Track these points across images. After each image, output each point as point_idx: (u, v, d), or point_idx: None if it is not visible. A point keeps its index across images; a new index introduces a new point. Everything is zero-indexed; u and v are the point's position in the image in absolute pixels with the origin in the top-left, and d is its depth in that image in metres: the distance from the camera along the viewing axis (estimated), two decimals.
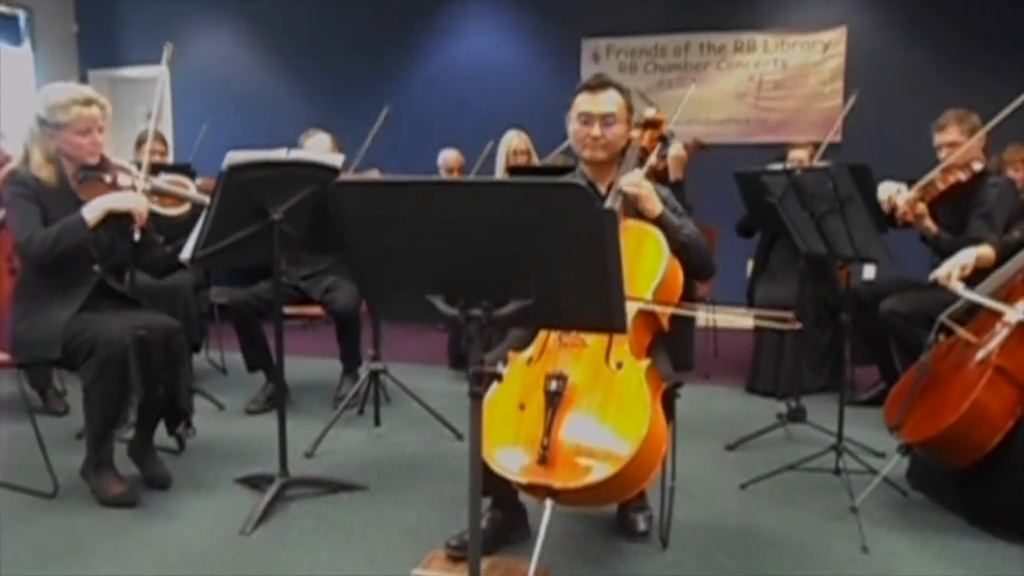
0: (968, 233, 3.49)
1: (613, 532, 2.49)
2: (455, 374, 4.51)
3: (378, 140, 3.80)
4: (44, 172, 2.68)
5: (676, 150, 3.92)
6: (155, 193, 2.88)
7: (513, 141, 4.68)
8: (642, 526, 2.45)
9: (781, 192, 2.91)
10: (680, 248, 2.33)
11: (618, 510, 2.52)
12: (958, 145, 3.51)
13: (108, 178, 2.77)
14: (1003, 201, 3.53)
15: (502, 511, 2.37)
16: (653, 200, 2.34)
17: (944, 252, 3.56)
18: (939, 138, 3.60)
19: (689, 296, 2.43)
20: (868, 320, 3.67)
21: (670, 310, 2.25)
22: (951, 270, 2.57)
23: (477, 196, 1.46)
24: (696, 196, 3.85)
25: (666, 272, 2.23)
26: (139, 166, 2.92)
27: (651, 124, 2.69)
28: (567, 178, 2.44)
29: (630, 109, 2.46)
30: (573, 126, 2.44)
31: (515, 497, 2.32)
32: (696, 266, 2.40)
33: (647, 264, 2.24)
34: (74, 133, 2.68)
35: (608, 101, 2.39)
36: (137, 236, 2.74)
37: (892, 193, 3.56)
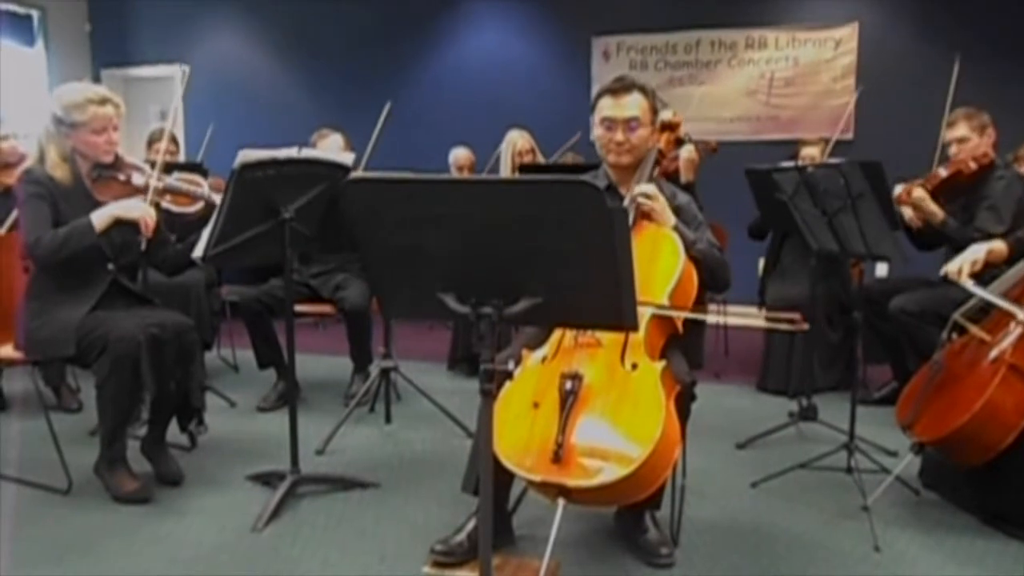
0: (975, 224, 3.50)
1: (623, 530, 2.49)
2: (452, 374, 4.52)
3: (389, 139, 3.80)
4: (59, 171, 2.70)
5: (688, 152, 3.92)
6: (167, 191, 2.89)
7: (518, 142, 4.67)
8: (652, 534, 2.35)
9: (792, 189, 2.90)
10: (692, 261, 2.31)
11: (628, 508, 2.43)
12: (967, 140, 3.57)
13: (122, 177, 2.79)
14: (1009, 194, 3.55)
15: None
16: (666, 213, 2.33)
17: (951, 238, 3.59)
18: (949, 134, 3.67)
19: (700, 294, 2.42)
20: (880, 318, 3.66)
21: (681, 314, 2.24)
22: (962, 265, 2.55)
23: (488, 194, 1.46)
24: (707, 194, 3.84)
25: (682, 274, 2.22)
26: (151, 165, 2.94)
27: (668, 127, 2.67)
28: (582, 176, 2.44)
29: (654, 111, 2.43)
30: (597, 131, 2.43)
31: (503, 503, 2.32)
32: (708, 280, 2.37)
33: (664, 265, 2.23)
34: (89, 132, 2.69)
35: (631, 105, 2.38)
36: (144, 246, 2.77)
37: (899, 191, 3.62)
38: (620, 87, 2.40)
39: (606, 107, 2.39)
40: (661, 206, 2.33)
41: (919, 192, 3.59)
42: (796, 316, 2.22)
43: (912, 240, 3.78)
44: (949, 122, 3.68)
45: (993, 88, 3.54)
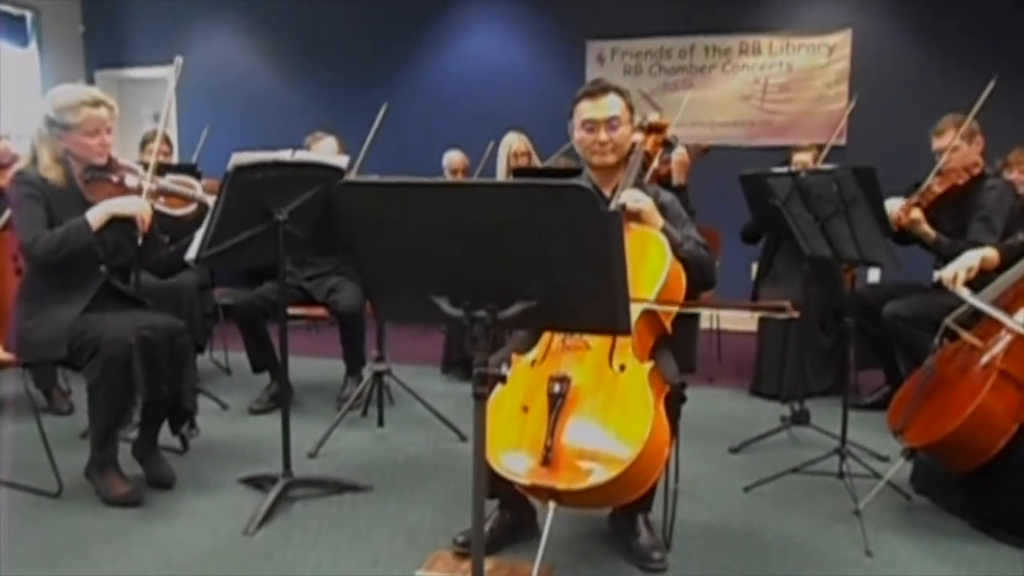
0: (968, 236, 3.52)
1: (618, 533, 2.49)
2: (445, 378, 4.52)
3: (382, 142, 3.78)
4: (52, 173, 2.69)
5: (679, 155, 3.93)
6: (161, 193, 2.89)
7: (514, 143, 4.68)
8: (645, 537, 2.33)
9: (786, 195, 2.91)
10: (679, 261, 2.33)
11: (621, 511, 2.42)
12: (956, 149, 3.57)
13: (115, 178, 2.78)
14: (1001, 203, 3.56)
15: (511, 511, 2.38)
16: (655, 216, 2.36)
17: (944, 256, 3.60)
18: (937, 143, 3.67)
19: (692, 298, 2.43)
20: (872, 323, 3.67)
21: (671, 308, 2.26)
22: (957, 272, 2.56)
23: (482, 198, 1.47)
24: (700, 199, 3.85)
25: (669, 274, 2.24)
26: (144, 166, 2.93)
27: (654, 128, 2.69)
28: (573, 181, 2.45)
29: (631, 109, 2.47)
30: (578, 134, 2.45)
31: (524, 497, 2.32)
32: (696, 280, 2.39)
33: (651, 266, 2.24)
34: (83, 134, 2.69)
35: (610, 105, 2.41)
36: (140, 242, 2.76)
37: (896, 208, 3.62)
38: (597, 89, 2.44)
39: (586, 110, 2.42)
40: (649, 209, 2.34)
41: (916, 213, 3.60)
42: (787, 303, 2.22)
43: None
44: (938, 131, 3.67)
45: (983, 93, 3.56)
